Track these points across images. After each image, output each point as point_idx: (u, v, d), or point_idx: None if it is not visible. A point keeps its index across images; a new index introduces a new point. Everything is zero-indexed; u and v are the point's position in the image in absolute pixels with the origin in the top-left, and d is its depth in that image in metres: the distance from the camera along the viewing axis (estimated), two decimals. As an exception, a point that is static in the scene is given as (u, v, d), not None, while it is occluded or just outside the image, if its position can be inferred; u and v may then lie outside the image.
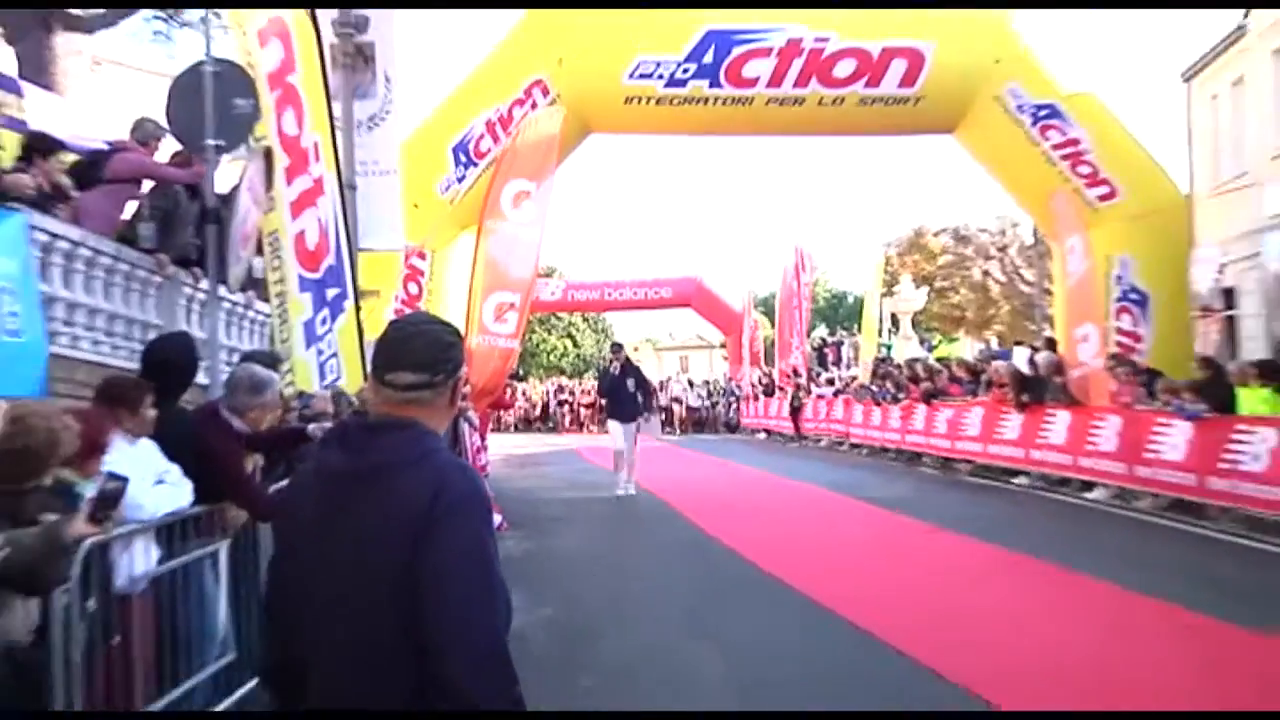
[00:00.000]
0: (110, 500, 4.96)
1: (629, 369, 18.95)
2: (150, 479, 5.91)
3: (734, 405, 39.61)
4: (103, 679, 5.17)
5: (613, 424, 18.92)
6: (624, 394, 18.41)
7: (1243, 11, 21.84)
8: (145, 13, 18.67)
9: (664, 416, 39.84)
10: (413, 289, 19.52)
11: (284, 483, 7.18)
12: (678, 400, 42.41)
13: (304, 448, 7.44)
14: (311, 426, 7.52)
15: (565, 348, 55.24)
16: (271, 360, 8.39)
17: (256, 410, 6.54)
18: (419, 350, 3.00)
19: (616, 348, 19.68)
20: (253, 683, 6.84)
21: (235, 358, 9.75)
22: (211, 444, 6.15)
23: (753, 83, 21.09)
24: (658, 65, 20.83)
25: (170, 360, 7.09)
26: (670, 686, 7.93)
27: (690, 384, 43.93)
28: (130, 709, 5.35)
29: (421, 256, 19.73)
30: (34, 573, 4.67)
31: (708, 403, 41.85)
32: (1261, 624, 8.99)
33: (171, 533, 5.86)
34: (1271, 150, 20.77)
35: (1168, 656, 8.46)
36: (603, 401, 21.83)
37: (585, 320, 57.40)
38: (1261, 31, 21.41)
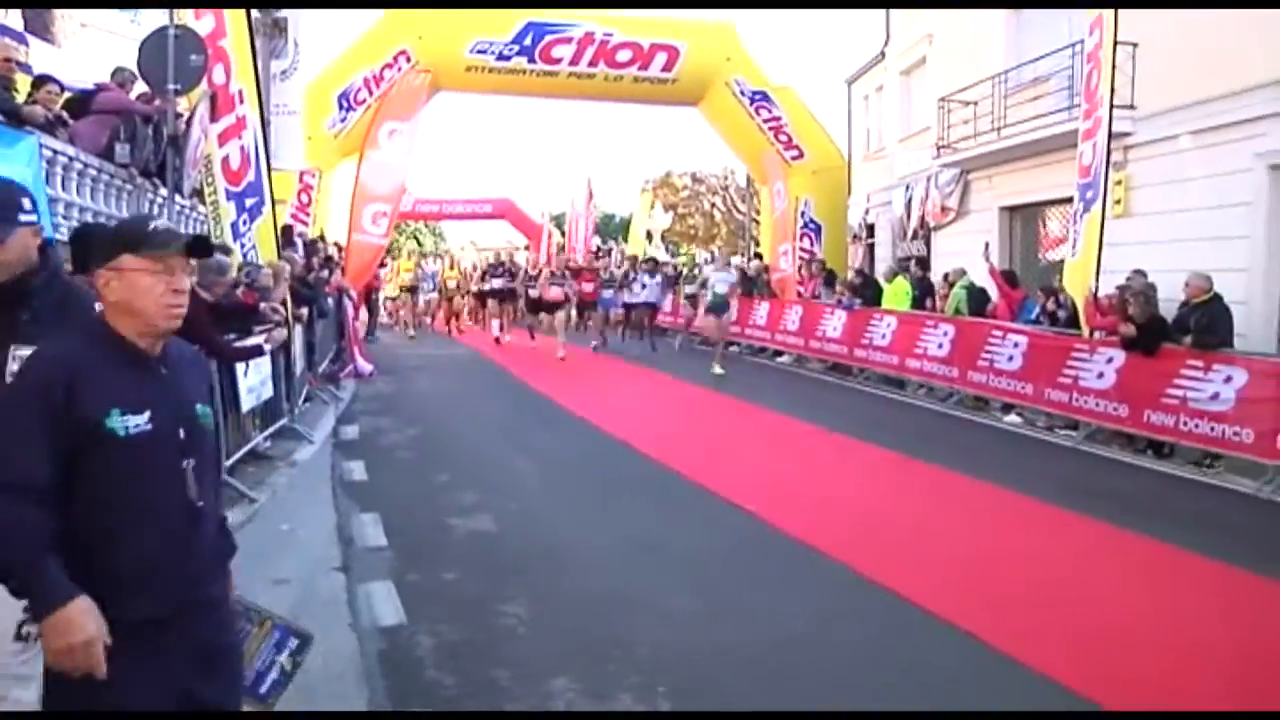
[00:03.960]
0: None
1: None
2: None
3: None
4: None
5: None
6: None
7: (884, 39, 22.90)
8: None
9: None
10: (304, 199, 18.97)
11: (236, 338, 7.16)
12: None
13: (254, 317, 7.41)
14: (263, 305, 7.49)
15: (411, 246, 54.01)
16: (225, 250, 8.27)
17: (219, 286, 6.49)
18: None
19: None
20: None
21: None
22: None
23: (558, 61, 21.06)
24: (491, 45, 20.64)
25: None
26: (500, 477, 8.24)
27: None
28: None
29: (313, 175, 19.18)
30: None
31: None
32: (890, 444, 9.80)
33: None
34: (899, 135, 21.87)
35: (815, 458, 9.23)
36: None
37: (426, 226, 56.30)
38: (894, 58, 22.59)
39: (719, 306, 16.67)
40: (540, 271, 19.78)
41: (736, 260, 22.23)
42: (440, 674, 4.28)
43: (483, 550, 6.23)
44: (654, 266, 21.85)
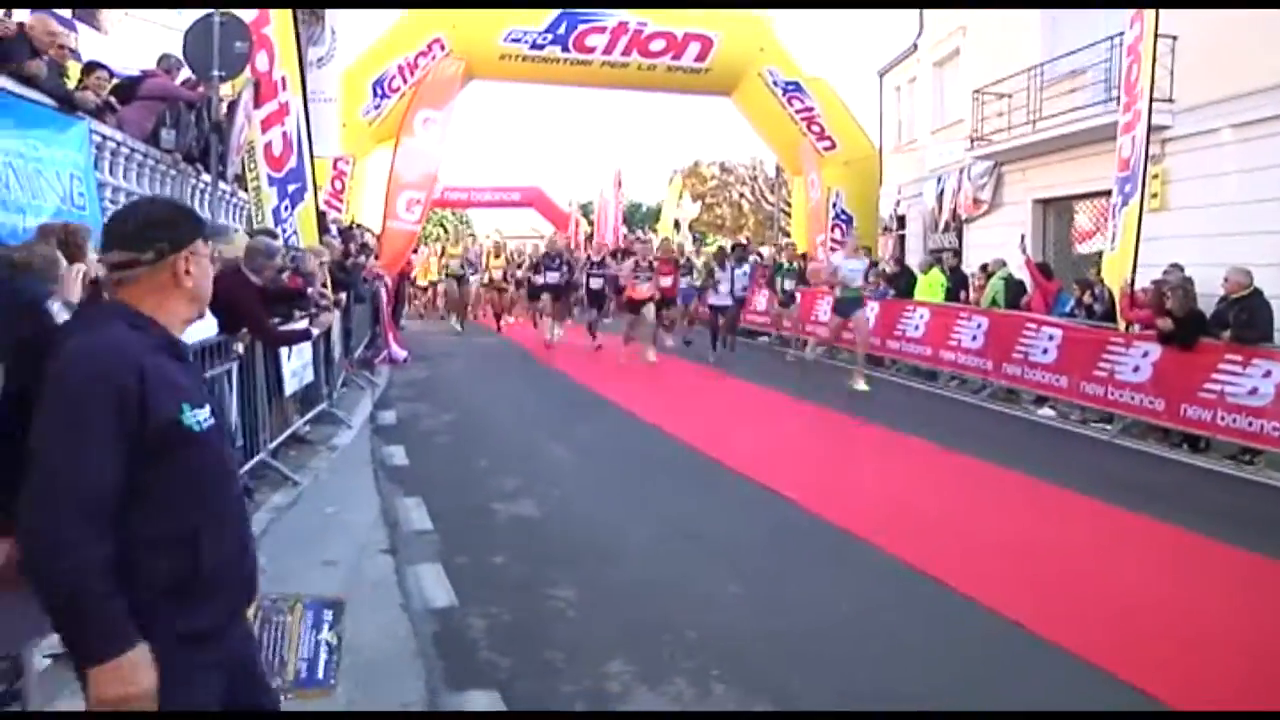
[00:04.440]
0: None
1: None
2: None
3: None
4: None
5: None
6: None
7: (917, 30, 22.76)
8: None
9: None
10: (337, 186, 19.14)
11: (280, 322, 7.23)
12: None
13: (301, 301, 7.48)
14: (310, 290, 7.56)
15: (438, 233, 54.17)
16: (271, 234, 8.36)
17: (269, 270, 6.56)
18: (128, 229, 2.16)
19: None
20: (254, 460, 7.01)
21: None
22: (236, 295, 6.11)
23: (592, 50, 21.11)
24: (525, 34, 20.65)
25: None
26: (538, 466, 8.24)
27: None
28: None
29: (347, 162, 19.33)
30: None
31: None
32: (925, 436, 9.70)
33: (203, 353, 5.88)
34: (931, 127, 21.79)
35: (850, 448, 9.24)
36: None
37: (453, 213, 56.51)
38: (926, 50, 22.50)
39: (853, 303, 13.51)
40: (603, 257, 18.01)
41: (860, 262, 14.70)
42: (494, 655, 4.33)
43: (527, 534, 6.28)
44: (744, 254, 18.52)
